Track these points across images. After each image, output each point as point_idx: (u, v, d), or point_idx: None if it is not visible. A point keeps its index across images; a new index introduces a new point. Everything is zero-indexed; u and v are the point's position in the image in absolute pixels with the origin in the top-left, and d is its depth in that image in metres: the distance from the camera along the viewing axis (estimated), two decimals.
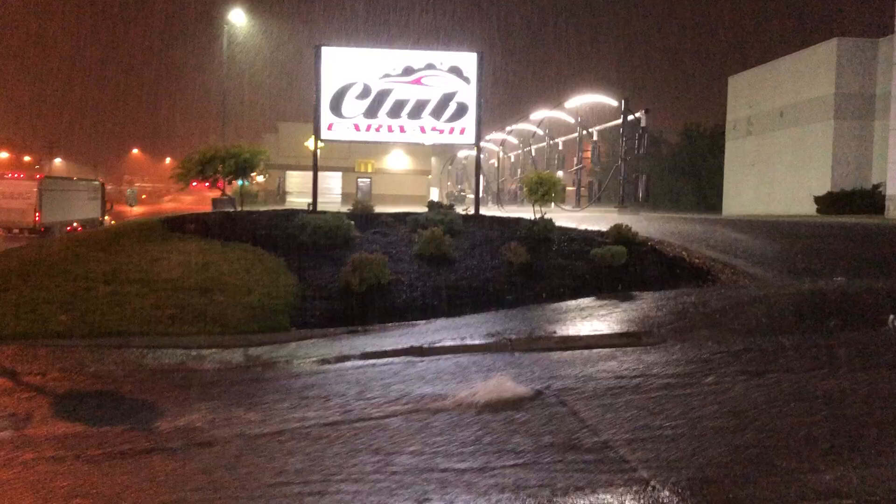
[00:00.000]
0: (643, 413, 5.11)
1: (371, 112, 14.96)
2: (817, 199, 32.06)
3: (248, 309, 9.24)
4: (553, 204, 14.76)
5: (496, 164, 62.66)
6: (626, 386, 5.84)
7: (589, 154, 45.16)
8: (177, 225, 13.12)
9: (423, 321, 9.29)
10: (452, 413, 5.33)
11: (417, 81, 14.99)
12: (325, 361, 7.47)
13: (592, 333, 7.96)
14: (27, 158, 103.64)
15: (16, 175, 27.71)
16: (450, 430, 4.94)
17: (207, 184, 14.01)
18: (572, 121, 45.05)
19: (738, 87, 44.15)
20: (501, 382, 5.91)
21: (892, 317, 7.78)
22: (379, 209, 15.41)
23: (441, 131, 15.24)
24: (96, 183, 31.63)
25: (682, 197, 52.15)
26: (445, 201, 24.34)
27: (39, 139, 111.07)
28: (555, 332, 8.24)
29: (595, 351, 7.28)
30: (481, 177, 18.43)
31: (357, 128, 15.06)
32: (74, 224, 26.59)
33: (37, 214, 24.87)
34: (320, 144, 15.68)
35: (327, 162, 36.78)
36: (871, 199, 29.81)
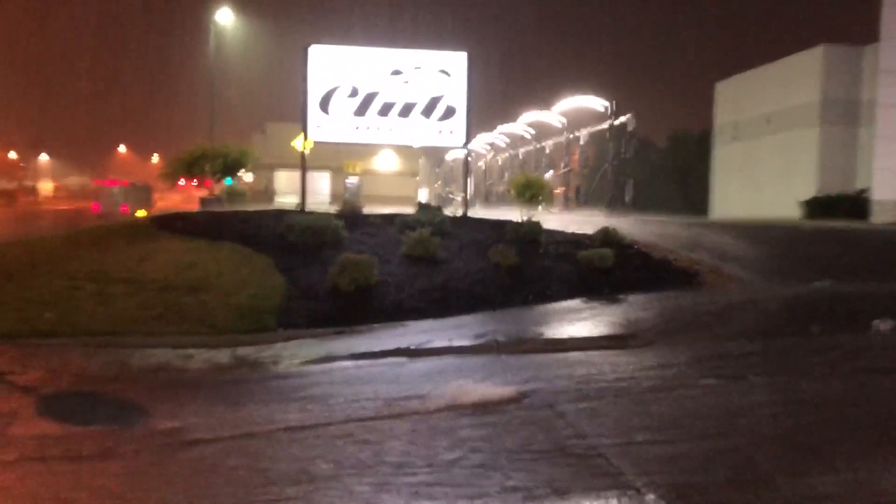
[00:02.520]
0: (629, 416, 5.13)
1: (360, 112, 14.95)
2: (803, 204, 32.29)
3: (235, 309, 9.21)
4: (540, 206, 14.81)
5: (484, 166, 62.77)
6: (612, 388, 5.85)
7: (577, 157, 45.36)
8: (164, 224, 13.07)
9: (411, 322, 9.29)
10: (438, 415, 5.33)
11: (406, 82, 14.99)
12: (312, 362, 7.46)
13: (579, 336, 7.98)
14: (12, 155, 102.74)
15: (111, 182, 44.47)
16: (435, 431, 4.94)
17: (195, 183, 13.97)
18: (560, 124, 45.19)
19: (725, 92, 44.40)
20: (487, 384, 5.92)
21: (876, 321, 7.85)
22: (367, 210, 15.40)
23: (430, 132, 15.25)
24: (148, 185, 45.99)
25: (668, 200, 52.35)
26: (434, 203, 24.37)
27: (24, 135, 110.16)
28: (542, 335, 8.26)
29: (582, 353, 7.30)
30: (469, 178, 18.44)
31: (346, 128, 15.05)
32: (141, 212, 37.05)
33: (124, 207, 36.96)
34: (309, 144, 15.66)
35: (316, 162, 36.58)
36: (856, 204, 30.05)
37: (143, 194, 41.29)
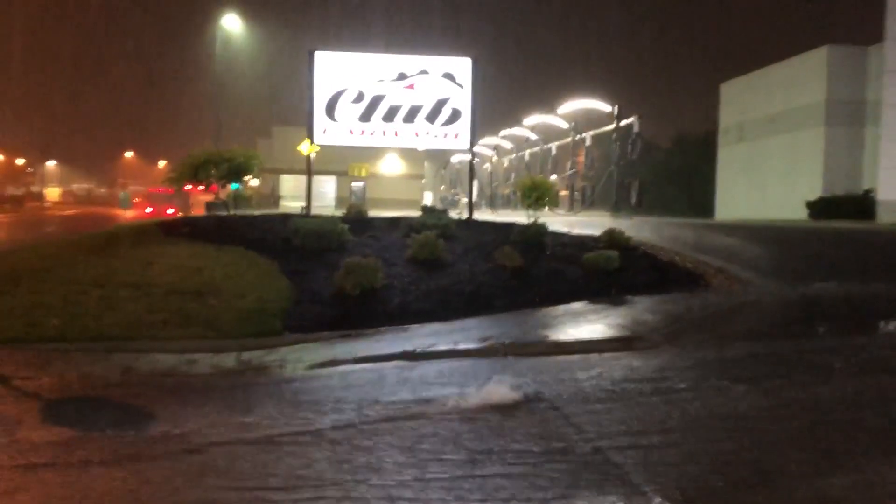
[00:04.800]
0: (636, 418, 5.13)
1: (365, 117, 14.98)
2: (809, 205, 32.21)
3: (241, 313, 9.22)
4: (546, 208, 14.79)
5: (489, 169, 62.74)
6: (618, 391, 5.85)
7: (582, 159, 45.31)
8: (171, 228, 13.10)
9: (417, 325, 9.28)
10: (444, 418, 5.33)
11: (411, 87, 15.03)
12: (318, 366, 7.46)
13: (585, 338, 7.97)
14: (20, 161, 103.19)
15: (161, 190, 49.95)
16: (441, 434, 4.94)
17: (201, 188, 14.00)
18: (565, 126, 45.17)
19: (729, 93, 44.38)
20: (494, 387, 5.92)
21: (883, 321, 7.82)
22: (373, 213, 15.41)
23: (435, 136, 15.27)
24: (186, 191, 53.50)
25: (674, 202, 52.30)
26: (439, 206, 24.36)
27: (33, 142, 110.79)
28: (548, 337, 8.25)
29: (588, 355, 7.29)
30: (475, 181, 18.47)
31: (351, 132, 15.08)
32: (180, 213, 42.68)
33: (171, 209, 45.60)
34: (314, 149, 15.69)
35: (321, 166, 36.75)
36: (862, 205, 29.98)
37: (183, 199, 49.46)
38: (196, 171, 13.10)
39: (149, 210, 51.05)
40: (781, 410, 5.25)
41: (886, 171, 28.54)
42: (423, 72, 15.01)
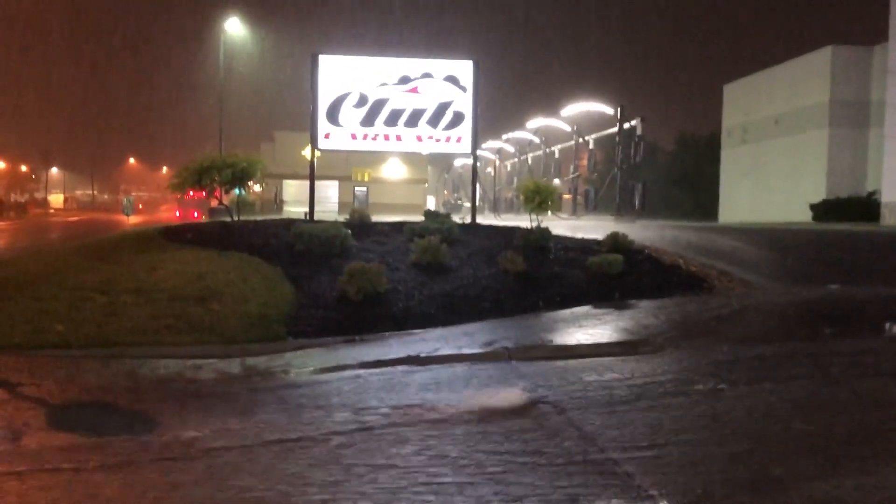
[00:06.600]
0: (640, 422, 5.11)
1: (368, 121, 14.99)
2: (813, 207, 32.14)
3: (245, 318, 9.22)
4: (549, 212, 14.77)
5: (492, 173, 62.71)
6: (622, 395, 5.84)
7: (585, 162, 45.28)
8: (174, 234, 13.11)
9: (420, 330, 9.28)
10: (449, 422, 5.32)
11: (414, 90, 15.03)
12: (322, 371, 7.46)
13: (589, 342, 7.96)
14: (24, 168, 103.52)
15: (193, 194, 52.47)
16: (446, 439, 4.93)
17: (204, 193, 14.00)
18: (568, 129, 45.14)
19: (732, 95, 44.33)
20: (498, 391, 5.91)
21: (888, 324, 7.80)
22: (376, 218, 15.39)
23: (438, 140, 15.27)
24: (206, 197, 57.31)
25: (678, 205, 52.26)
26: (442, 210, 24.32)
27: (36, 148, 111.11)
28: (552, 341, 8.24)
29: (592, 360, 7.28)
30: (477, 185, 18.46)
31: (354, 137, 15.09)
32: (204, 217, 47.13)
33: (196, 213, 48.44)
34: (317, 153, 15.70)
35: (324, 171, 36.89)
36: (867, 207, 29.91)
37: (205, 204, 52.27)
38: (199, 177, 13.10)
39: (177, 214, 55.24)
40: (787, 412, 5.23)
41: (891, 173, 28.48)
42: (426, 75, 15.02)
